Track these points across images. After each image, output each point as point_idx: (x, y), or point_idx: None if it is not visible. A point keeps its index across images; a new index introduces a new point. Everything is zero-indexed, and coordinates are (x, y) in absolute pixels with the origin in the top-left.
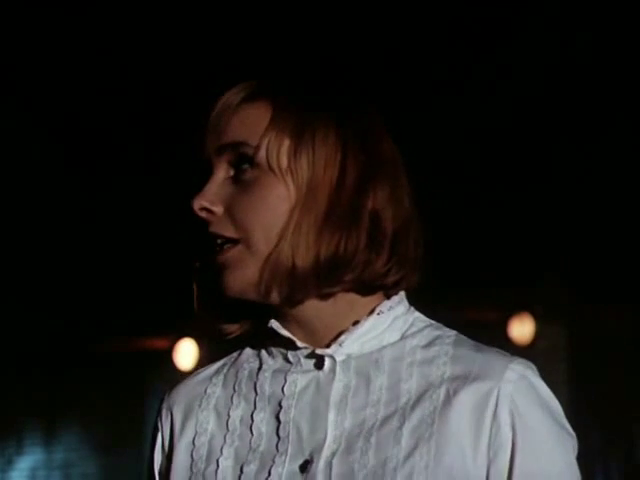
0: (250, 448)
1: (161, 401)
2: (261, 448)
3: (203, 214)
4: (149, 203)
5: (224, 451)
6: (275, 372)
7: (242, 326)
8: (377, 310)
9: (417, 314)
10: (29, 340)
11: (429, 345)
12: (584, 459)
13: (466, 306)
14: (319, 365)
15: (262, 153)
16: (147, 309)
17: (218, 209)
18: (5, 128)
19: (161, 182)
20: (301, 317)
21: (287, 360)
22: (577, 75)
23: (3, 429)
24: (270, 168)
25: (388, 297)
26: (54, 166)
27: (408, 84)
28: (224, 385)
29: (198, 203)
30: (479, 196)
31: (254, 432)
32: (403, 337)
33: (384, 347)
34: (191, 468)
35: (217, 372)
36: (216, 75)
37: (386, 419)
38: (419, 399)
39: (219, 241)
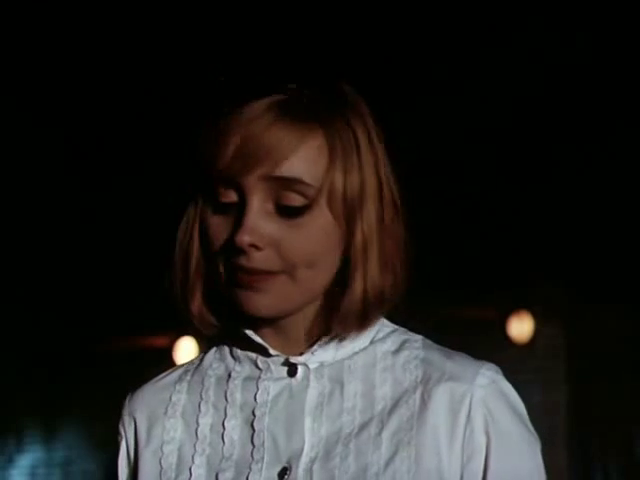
0: (223, 456)
1: (122, 407)
2: (234, 456)
3: (251, 250)
4: (149, 203)
5: (196, 459)
6: (245, 380)
7: (217, 327)
8: None
9: (381, 318)
10: (29, 339)
11: (399, 350)
12: (584, 459)
13: (466, 305)
14: (292, 373)
15: (324, 196)
16: (146, 307)
17: (264, 245)
18: (5, 128)
19: (161, 182)
20: (281, 325)
21: (256, 366)
22: (577, 75)
23: (3, 427)
24: (331, 211)
25: None
26: (54, 166)
27: (408, 84)
28: (189, 392)
29: (245, 240)
30: (478, 196)
31: (226, 440)
32: (372, 342)
33: (355, 353)
34: (160, 476)
35: (180, 379)
36: (217, 74)
37: (363, 426)
38: (395, 405)
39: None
